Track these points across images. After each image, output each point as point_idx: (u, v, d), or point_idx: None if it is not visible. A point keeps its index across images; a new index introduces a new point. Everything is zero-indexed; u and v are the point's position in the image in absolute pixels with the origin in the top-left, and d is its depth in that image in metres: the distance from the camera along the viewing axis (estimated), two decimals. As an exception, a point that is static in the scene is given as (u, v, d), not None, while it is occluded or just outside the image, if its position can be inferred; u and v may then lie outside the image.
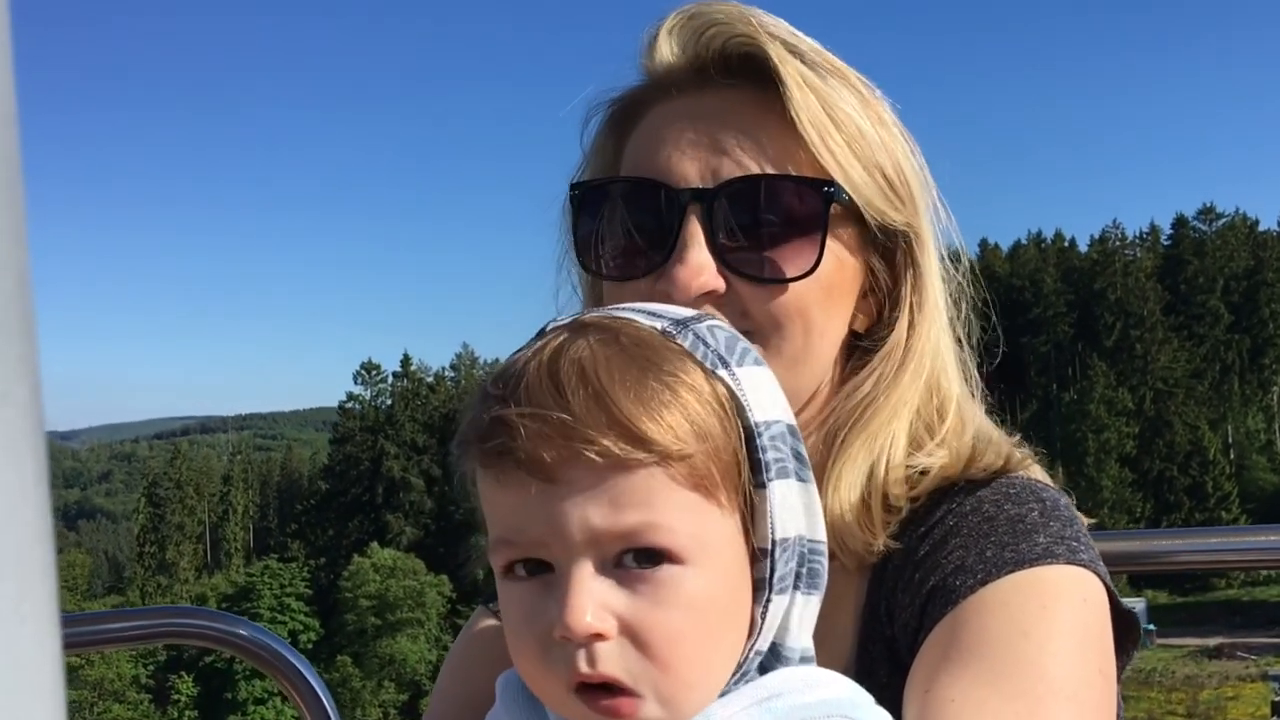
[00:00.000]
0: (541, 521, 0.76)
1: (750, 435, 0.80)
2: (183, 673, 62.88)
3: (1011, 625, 0.92)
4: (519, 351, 0.83)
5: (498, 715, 0.90)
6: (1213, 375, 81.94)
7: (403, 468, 76.23)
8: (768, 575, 0.81)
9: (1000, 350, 1.22)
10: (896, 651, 1.00)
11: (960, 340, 1.15)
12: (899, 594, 1.01)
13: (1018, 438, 1.13)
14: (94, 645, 2.06)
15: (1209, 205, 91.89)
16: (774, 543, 0.80)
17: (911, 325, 1.10)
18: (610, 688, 0.76)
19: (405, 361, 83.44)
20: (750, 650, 0.81)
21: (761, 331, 1.04)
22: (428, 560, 66.58)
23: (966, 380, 1.14)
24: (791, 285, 1.04)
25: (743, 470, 0.80)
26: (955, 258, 1.16)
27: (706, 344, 0.82)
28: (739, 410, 0.80)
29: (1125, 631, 1.01)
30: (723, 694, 0.80)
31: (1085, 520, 1.07)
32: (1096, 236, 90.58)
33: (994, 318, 1.20)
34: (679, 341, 0.81)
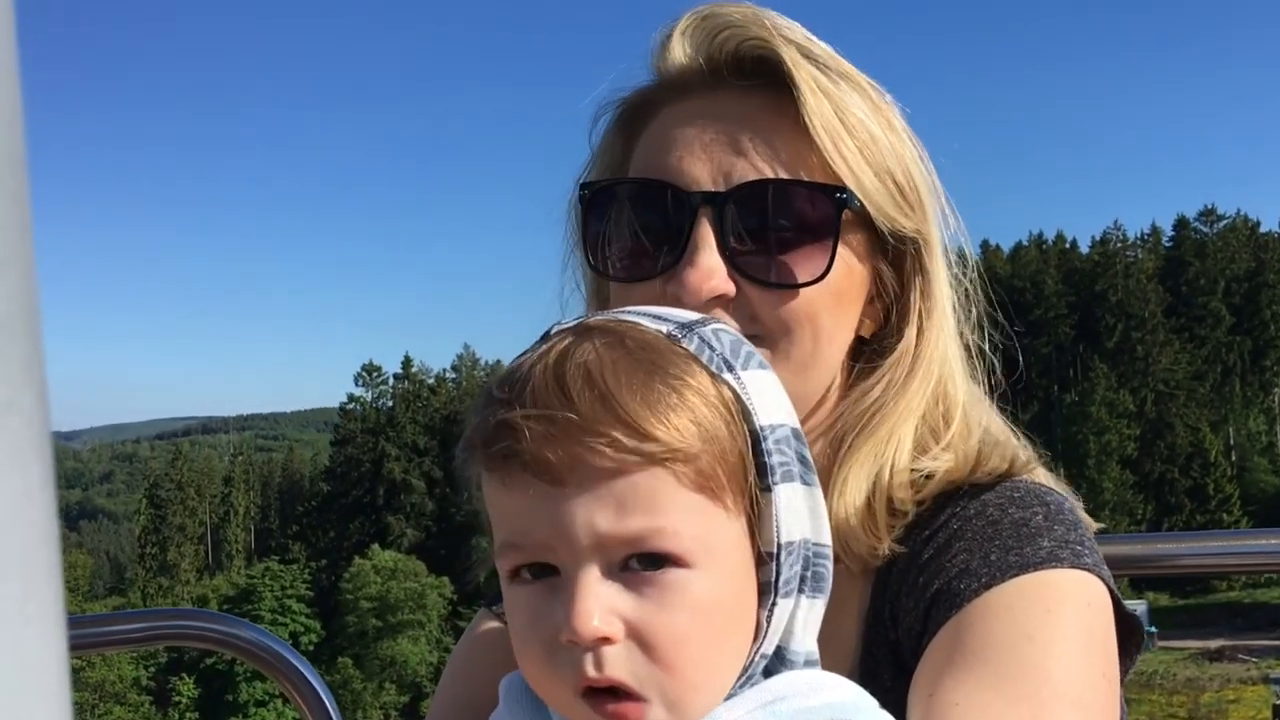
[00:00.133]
0: (547, 525, 0.76)
1: (756, 439, 0.80)
2: (184, 675, 62.89)
3: (1016, 629, 0.92)
4: (524, 355, 0.83)
5: (501, 718, 0.90)
6: (1214, 377, 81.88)
7: (404, 469, 76.25)
8: (773, 579, 0.81)
9: (1018, 359, 1.22)
10: (900, 655, 1.00)
11: (969, 347, 1.15)
12: (903, 598, 1.01)
13: (1023, 442, 1.12)
14: (97, 647, 2.06)
15: (1210, 207, 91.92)
16: (779, 546, 0.80)
17: (920, 332, 1.11)
18: (616, 691, 0.76)
19: (406, 363, 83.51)
20: (755, 654, 0.81)
21: (770, 336, 1.05)
22: (429, 562, 66.57)
23: (975, 385, 1.14)
24: (802, 290, 1.04)
25: (748, 474, 0.80)
26: (963, 263, 1.16)
27: (712, 347, 0.82)
28: (744, 414, 0.80)
29: (1129, 635, 1.02)
30: (727, 697, 0.80)
31: (1092, 525, 1.08)
32: (1098, 238, 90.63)
33: (1010, 323, 1.20)
34: (684, 345, 0.81)
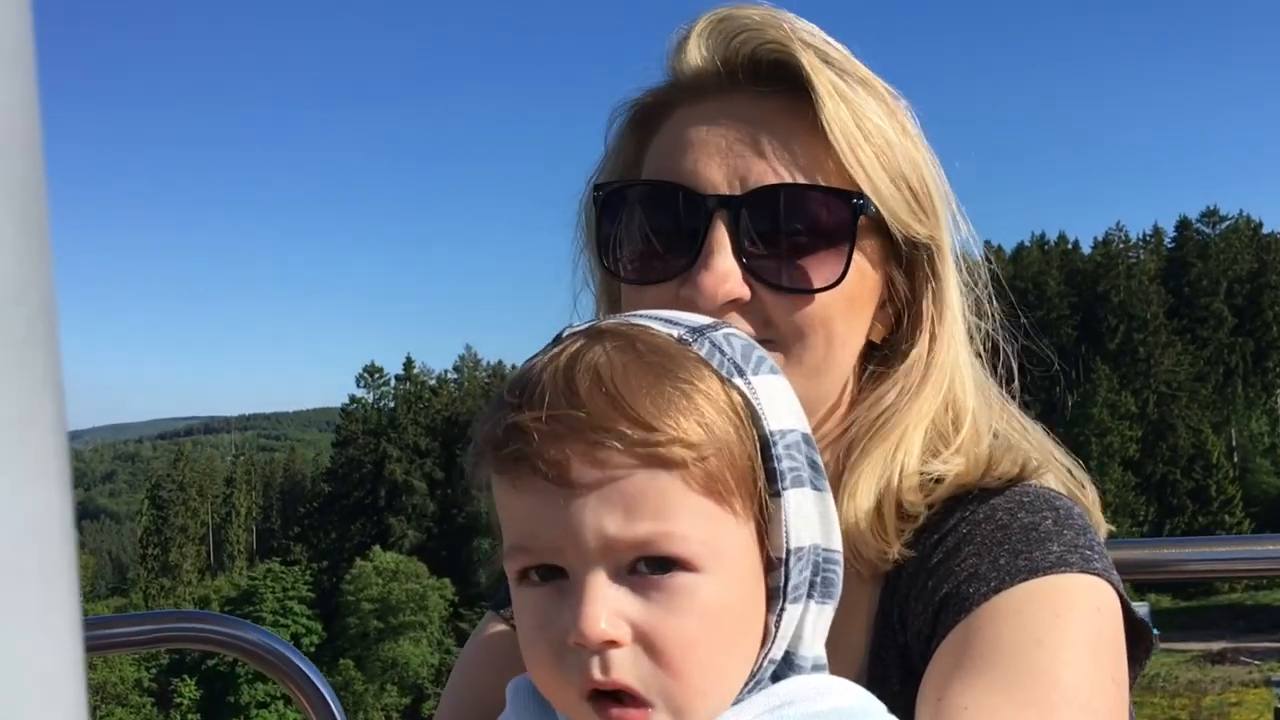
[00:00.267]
0: (556, 528, 0.76)
1: (765, 443, 0.80)
2: (185, 676, 62.88)
3: (1025, 633, 0.92)
4: (535, 358, 0.83)
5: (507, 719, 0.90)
6: (1216, 378, 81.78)
7: (405, 471, 76.24)
8: (782, 584, 0.81)
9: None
10: (909, 659, 1.00)
11: (979, 353, 1.15)
12: (912, 601, 1.01)
13: (1043, 440, 1.12)
14: (101, 650, 2.07)
15: (1213, 208, 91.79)
16: (788, 551, 0.80)
17: (933, 338, 1.11)
18: (623, 696, 0.76)
19: (408, 364, 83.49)
20: (764, 659, 0.81)
21: (784, 341, 1.04)
22: (430, 564, 66.55)
23: (986, 389, 1.14)
24: (816, 296, 1.04)
25: (758, 478, 0.80)
26: (975, 268, 1.16)
27: (723, 352, 0.82)
28: (754, 418, 0.80)
29: (1137, 640, 1.01)
30: (735, 702, 0.80)
31: (1104, 527, 1.08)
32: (1100, 238, 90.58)
33: (1018, 327, 1.20)
34: (695, 349, 0.81)
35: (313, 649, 61.28)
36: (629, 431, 0.74)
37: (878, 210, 1.05)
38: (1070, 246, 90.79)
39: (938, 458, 1.06)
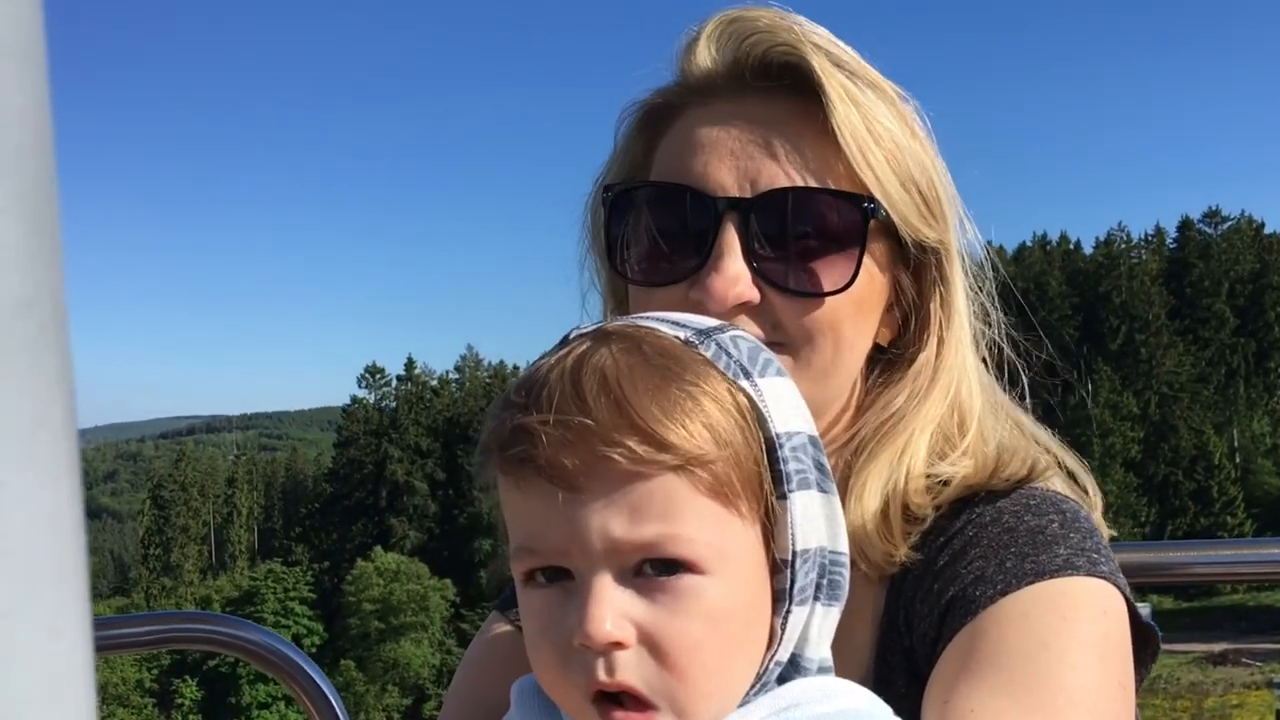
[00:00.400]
0: (562, 529, 0.76)
1: (771, 445, 0.80)
2: (186, 677, 62.88)
3: (1031, 636, 0.91)
4: (542, 359, 0.83)
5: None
6: (1218, 379, 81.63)
7: (406, 471, 76.18)
8: (788, 586, 0.80)
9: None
10: (915, 662, 1.00)
11: (985, 360, 1.15)
12: (918, 604, 1.01)
13: (1050, 444, 1.12)
14: (106, 650, 2.07)
15: (1214, 208, 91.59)
16: (794, 554, 0.80)
17: (941, 342, 1.11)
18: (628, 698, 0.76)
19: (409, 365, 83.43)
20: (770, 661, 0.81)
21: (793, 344, 1.04)
22: (431, 564, 66.50)
23: (993, 392, 1.14)
24: (826, 299, 1.04)
25: (764, 480, 0.79)
26: (980, 271, 1.16)
27: (729, 354, 0.82)
28: (760, 420, 0.80)
29: (1144, 644, 1.01)
30: (741, 704, 0.80)
31: (1105, 531, 1.07)
32: (1101, 239, 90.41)
33: (1034, 325, 1.20)
34: (702, 351, 0.81)
35: (314, 650, 61.17)
36: (635, 435, 0.74)
37: (887, 214, 1.05)
38: (1072, 246, 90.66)
39: (944, 460, 1.06)
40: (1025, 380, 1.18)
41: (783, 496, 0.80)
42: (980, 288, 1.16)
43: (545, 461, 0.75)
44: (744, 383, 0.81)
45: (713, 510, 0.76)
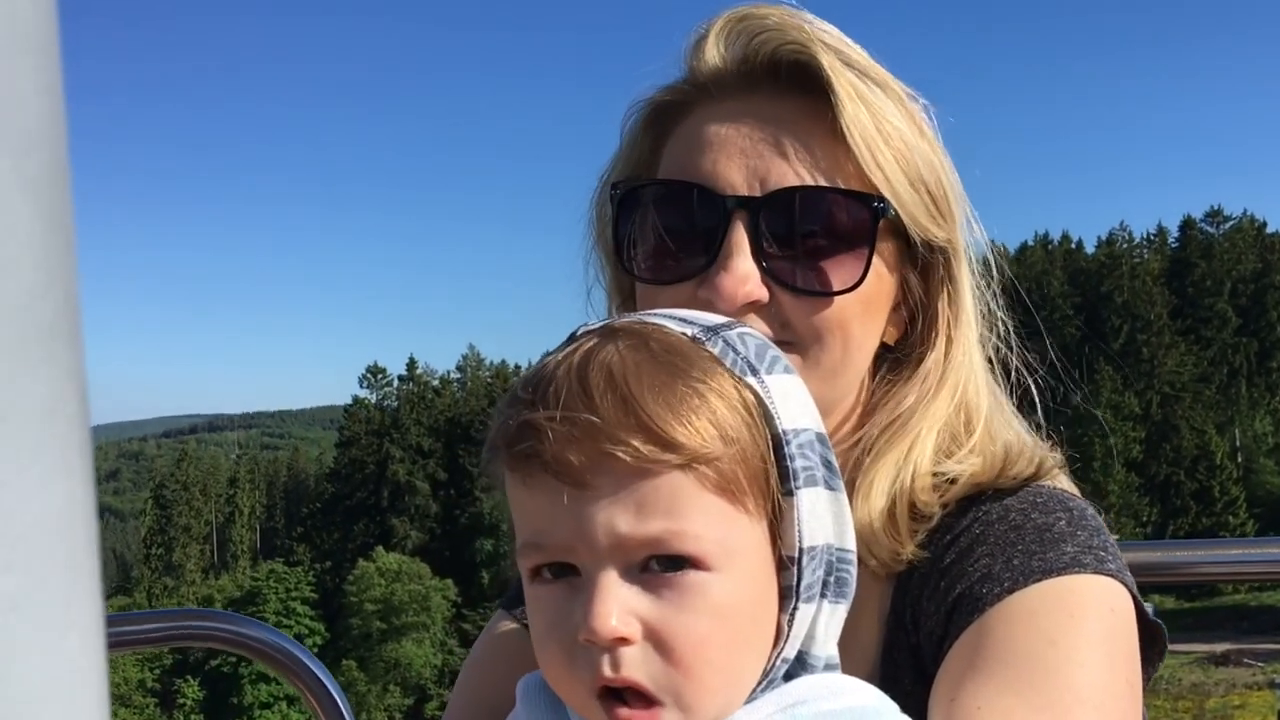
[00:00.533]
0: (568, 526, 0.76)
1: (778, 442, 0.80)
2: (188, 677, 62.88)
3: (1038, 634, 0.91)
4: (550, 355, 0.83)
5: (518, 718, 0.90)
6: (1220, 378, 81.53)
7: (408, 471, 76.17)
8: (794, 583, 0.80)
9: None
10: (921, 659, 1.00)
11: (990, 359, 1.15)
12: (924, 601, 1.01)
13: (1051, 444, 1.12)
14: (111, 648, 2.06)
15: (1217, 207, 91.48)
16: (801, 551, 0.80)
17: (949, 341, 1.11)
18: (634, 694, 0.76)
19: (411, 365, 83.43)
20: (776, 658, 0.81)
21: (802, 343, 1.04)
22: (433, 564, 66.49)
23: (999, 391, 1.14)
24: (835, 299, 1.04)
25: (770, 477, 0.79)
26: (987, 270, 1.16)
27: (736, 351, 0.82)
28: (767, 417, 0.80)
29: (1151, 642, 1.01)
30: (748, 700, 0.80)
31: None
32: (1103, 238, 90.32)
33: (1039, 326, 1.22)
34: (709, 348, 0.81)
35: (315, 650, 60.85)
36: (641, 432, 0.74)
37: (897, 214, 1.05)
38: (1074, 246, 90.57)
39: (951, 459, 1.06)
40: (1033, 380, 1.18)
41: (789, 493, 0.80)
42: (987, 286, 1.16)
43: (551, 457, 0.75)
44: (751, 379, 0.80)
45: (719, 506, 0.77)
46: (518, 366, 77.88)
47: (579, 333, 0.85)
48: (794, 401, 0.83)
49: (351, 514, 77.13)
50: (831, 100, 1.02)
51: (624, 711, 0.76)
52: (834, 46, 1.05)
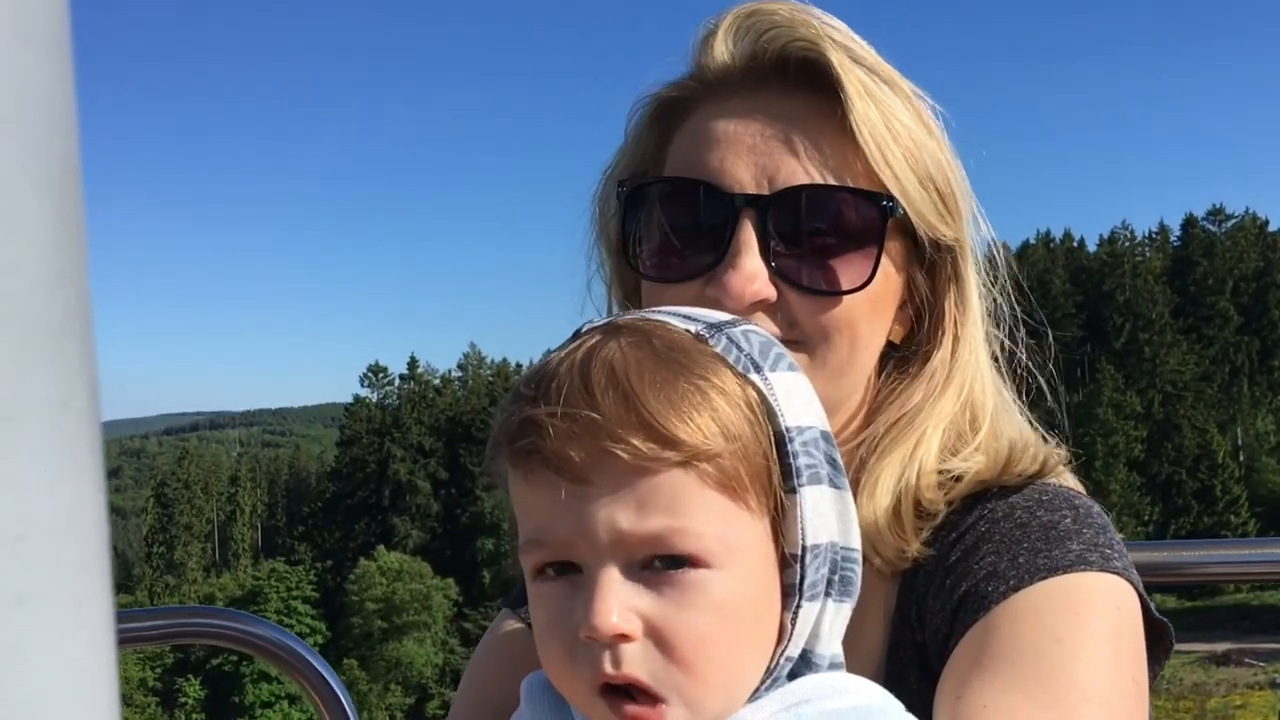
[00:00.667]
0: (569, 522, 0.76)
1: (781, 440, 0.80)
2: (190, 676, 62.94)
3: (1044, 632, 0.91)
4: (554, 352, 0.83)
5: (522, 717, 0.90)
6: (1222, 377, 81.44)
7: (409, 471, 76.20)
8: (798, 581, 0.80)
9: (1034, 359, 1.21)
10: (927, 657, 0.99)
11: (996, 356, 1.15)
12: (930, 599, 1.00)
13: (1055, 444, 1.12)
14: (117, 646, 2.06)
15: (1219, 206, 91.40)
16: (804, 548, 0.80)
17: (956, 339, 1.10)
18: (636, 691, 0.76)
19: (412, 364, 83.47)
20: (780, 656, 0.81)
21: (809, 341, 1.04)
22: (434, 564, 66.52)
23: (1004, 389, 1.14)
24: (843, 297, 1.04)
25: (773, 475, 0.79)
26: (993, 268, 1.16)
27: (740, 348, 0.82)
28: (769, 414, 0.80)
29: (1157, 640, 1.01)
30: (752, 699, 0.80)
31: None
32: (1105, 236, 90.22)
33: (1043, 325, 1.21)
34: (712, 345, 0.81)
35: (317, 649, 60.64)
36: (642, 430, 0.74)
37: (905, 212, 1.04)
38: (1076, 244, 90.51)
39: (957, 456, 1.06)
40: (1042, 379, 1.19)
41: (792, 490, 0.79)
42: (993, 284, 1.15)
43: (552, 453, 0.75)
44: (754, 376, 0.80)
45: (720, 504, 0.76)
46: (519, 365, 77.87)
47: (583, 329, 0.85)
48: (798, 399, 0.82)
49: (353, 513, 77.16)
50: (841, 98, 1.01)
51: (630, 707, 0.76)
52: (843, 44, 1.05)
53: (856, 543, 0.84)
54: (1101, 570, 0.95)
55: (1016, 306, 1.17)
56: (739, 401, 0.78)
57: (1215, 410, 77.81)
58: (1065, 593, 0.93)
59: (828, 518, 0.81)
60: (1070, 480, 1.08)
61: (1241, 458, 75.63)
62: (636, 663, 0.75)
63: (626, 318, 0.85)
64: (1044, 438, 1.14)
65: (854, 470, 1.03)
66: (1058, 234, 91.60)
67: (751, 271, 1.02)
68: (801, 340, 1.04)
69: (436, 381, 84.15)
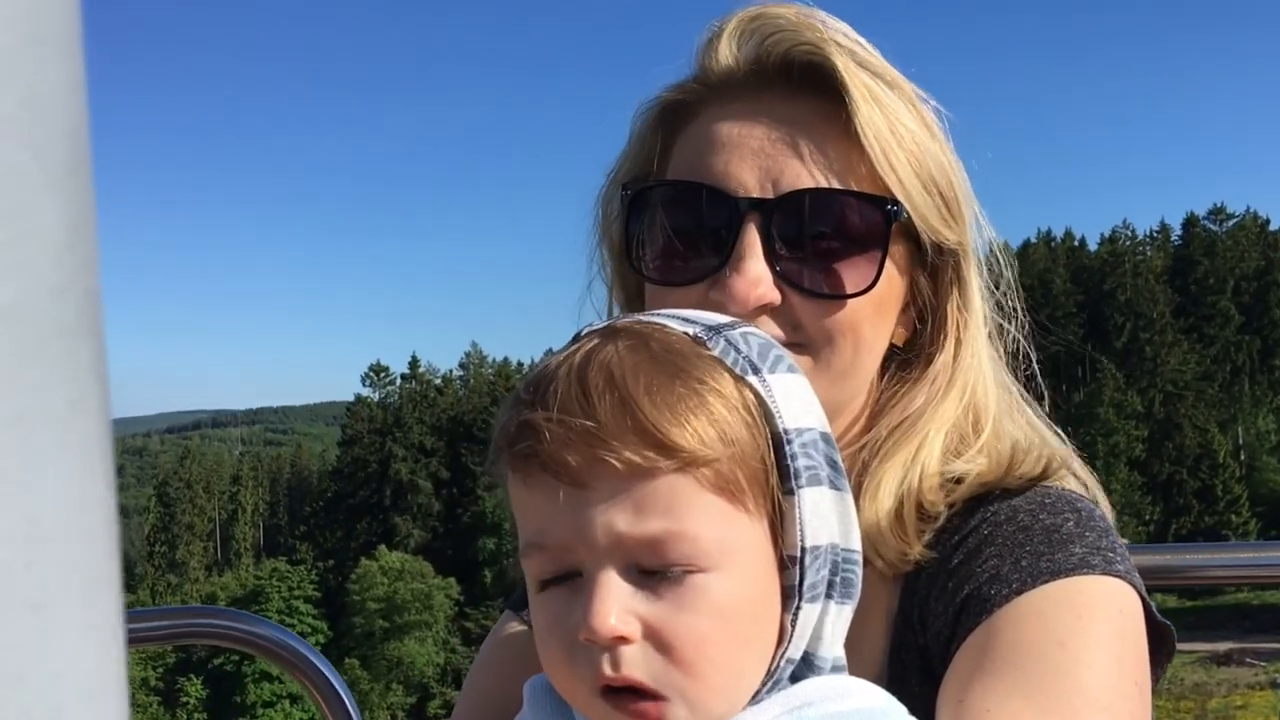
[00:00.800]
0: (567, 525, 0.77)
1: (779, 442, 0.80)
2: (191, 675, 62.99)
3: (1047, 635, 0.91)
4: (553, 355, 0.84)
5: (525, 719, 0.90)
6: (1223, 376, 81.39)
7: (410, 470, 76.22)
8: (797, 582, 0.80)
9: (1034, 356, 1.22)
10: (929, 660, 0.99)
11: (999, 356, 1.15)
12: (932, 602, 1.00)
13: (1064, 444, 1.13)
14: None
15: (1220, 205, 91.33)
16: (804, 550, 0.80)
17: (958, 343, 1.11)
18: (638, 690, 0.77)
19: (413, 364, 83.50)
20: (781, 658, 0.81)
21: (813, 345, 1.04)
22: (435, 563, 66.54)
23: (1008, 391, 1.15)
24: (847, 301, 1.04)
25: (770, 476, 0.79)
26: (996, 269, 1.16)
27: (738, 350, 0.82)
28: (767, 416, 0.80)
29: (1159, 643, 1.01)
30: (755, 702, 0.80)
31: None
32: (1106, 235, 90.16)
33: (1045, 324, 1.21)
34: (710, 348, 0.81)
35: (318, 649, 60.79)
36: (638, 435, 0.74)
37: (909, 216, 1.05)
38: (1076, 243, 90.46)
39: (960, 458, 1.06)
40: (1042, 382, 1.19)
41: (790, 492, 0.79)
42: (995, 286, 1.16)
43: (549, 458, 0.76)
44: (752, 378, 0.80)
45: (718, 506, 0.77)
46: (521, 364, 77.89)
47: (583, 333, 0.86)
48: (797, 401, 0.82)
49: (354, 512, 77.19)
50: (845, 102, 1.01)
51: (633, 705, 0.76)
52: (848, 47, 1.05)
53: (857, 544, 0.84)
54: (1104, 573, 0.95)
55: (1019, 308, 1.17)
56: (736, 404, 0.78)
57: (1216, 410, 77.76)
58: (1068, 596, 0.93)
59: (828, 519, 0.81)
60: (1073, 483, 1.08)
61: (1242, 457, 75.58)
62: (635, 665, 0.76)
63: (625, 320, 0.85)
64: (1062, 438, 1.14)
65: (856, 473, 1.04)
66: (1059, 233, 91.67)
67: (756, 275, 1.02)
68: (805, 343, 1.04)
69: (438, 381, 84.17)
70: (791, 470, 0.79)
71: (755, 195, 1.03)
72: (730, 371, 0.80)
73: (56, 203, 0.27)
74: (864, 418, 1.11)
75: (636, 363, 0.78)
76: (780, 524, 0.80)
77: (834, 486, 0.82)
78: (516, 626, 1.21)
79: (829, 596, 0.82)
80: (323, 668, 2.00)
